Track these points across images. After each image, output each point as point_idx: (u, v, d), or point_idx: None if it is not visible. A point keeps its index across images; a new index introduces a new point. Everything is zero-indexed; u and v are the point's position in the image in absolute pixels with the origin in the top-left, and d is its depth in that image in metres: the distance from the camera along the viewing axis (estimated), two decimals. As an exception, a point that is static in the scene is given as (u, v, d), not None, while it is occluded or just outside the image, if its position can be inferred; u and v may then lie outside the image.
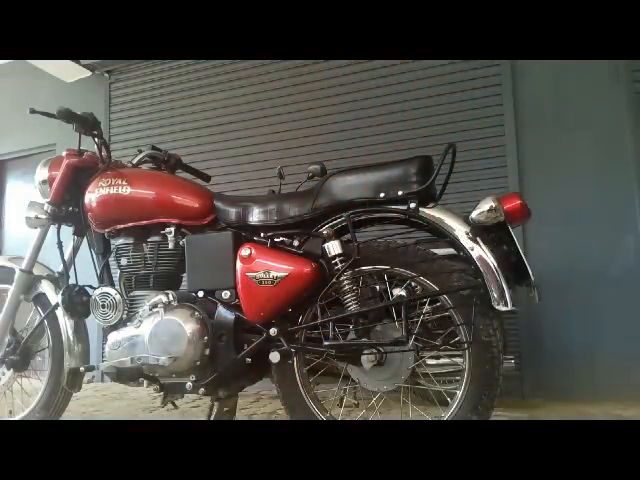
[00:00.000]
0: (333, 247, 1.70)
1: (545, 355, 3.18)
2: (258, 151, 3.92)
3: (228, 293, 1.80)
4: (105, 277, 2.06)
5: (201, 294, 1.85)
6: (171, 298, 1.85)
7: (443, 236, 1.68)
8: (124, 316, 1.92)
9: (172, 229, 1.92)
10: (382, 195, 1.69)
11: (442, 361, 2.07)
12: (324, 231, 1.73)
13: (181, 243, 1.92)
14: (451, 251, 1.83)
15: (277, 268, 1.68)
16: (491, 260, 1.57)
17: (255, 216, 1.83)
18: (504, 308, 1.55)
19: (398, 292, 1.75)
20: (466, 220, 1.64)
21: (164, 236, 1.95)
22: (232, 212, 1.89)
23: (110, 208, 1.92)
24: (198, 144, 4.10)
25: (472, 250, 1.60)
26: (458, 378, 1.64)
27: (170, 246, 1.93)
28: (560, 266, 3.20)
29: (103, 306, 1.92)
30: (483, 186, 3.34)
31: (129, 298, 1.96)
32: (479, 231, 1.61)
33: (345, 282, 1.67)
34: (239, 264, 1.73)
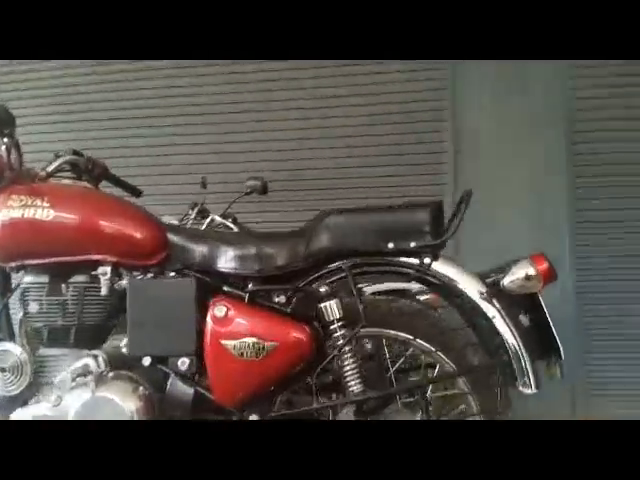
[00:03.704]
0: (332, 309, 1.34)
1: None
2: (182, 162, 3.33)
3: (186, 362, 1.36)
4: (4, 326, 1.51)
5: (147, 361, 1.39)
6: (103, 365, 1.38)
7: (450, 295, 1.42)
8: (31, 384, 1.41)
9: (108, 269, 1.44)
10: (391, 246, 1.38)
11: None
12: (321, 288, 1.36)
13: (116, 286, 1.45)
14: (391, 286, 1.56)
15: (265, 335, 1.28)
16: (516, 337, 1.35)
17: (229, 261, 1.41)
18: (528, 391, 1.34)
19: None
20: (482, 279, 1.40)
21: (94, 277, 1.46)
22: (194, 252, 1.45)
23: (23, 236, 1.39)
24: (116, 147, 3.39)
25: (493, 319, 1.35)
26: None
27: (103, 292, 1.44)
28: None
29: (3, 369, 1.39)
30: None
31: (37, 358, 1.45)
32: (497, 293, 1.37)
33: (347, 355, 1.32)
34: (211, 327, 1.30)
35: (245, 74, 3.23)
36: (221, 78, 3.27)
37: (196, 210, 2.51)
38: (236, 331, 1.28)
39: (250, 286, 1.39)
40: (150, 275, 1.47)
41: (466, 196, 1.41)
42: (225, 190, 2.73)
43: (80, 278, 1.47)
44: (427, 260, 1.38)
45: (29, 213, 1.38)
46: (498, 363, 1.35)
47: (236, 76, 3.26)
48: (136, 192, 1.99)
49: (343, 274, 1.39)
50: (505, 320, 1.34)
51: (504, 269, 1.43)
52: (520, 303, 1.38)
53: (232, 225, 2.49)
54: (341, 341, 1.32)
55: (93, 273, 1.45)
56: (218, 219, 2.47)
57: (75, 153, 1.73)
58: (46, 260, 1.43)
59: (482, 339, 1.40)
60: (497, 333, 1.35)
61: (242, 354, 1.27)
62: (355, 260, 1.40)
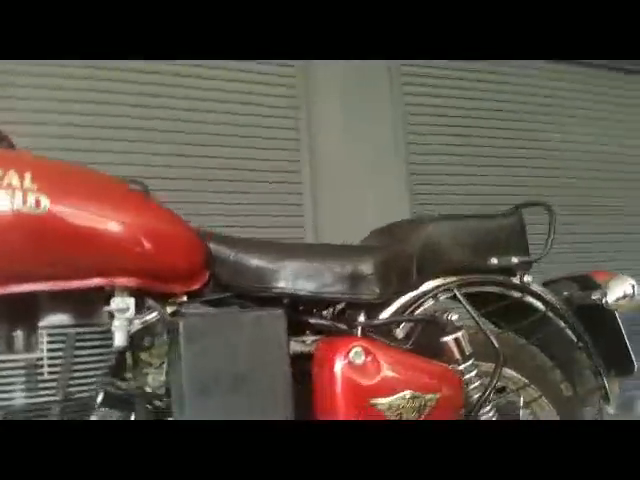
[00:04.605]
0: (461, 343, 1.03)
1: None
2: None
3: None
4: None
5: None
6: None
7: (543, 323, 1.27)
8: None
9: (130, 302, 0.85)
10: (495, 262, 1.17)
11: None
12: (450, 316, 1.04)
13: (131, 331, 0.87)
14: None
15: (422, 385, 0.90)
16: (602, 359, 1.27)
17: (333, 284, 0.97)
18: (613, 412, 1.29)
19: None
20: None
21: (92, 315, 0.85)
22: (265, 271, 0.96)
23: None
24: None
25: (586, 341, 1.26)
26: None
27: (118, 341, 0.84)
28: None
29: None
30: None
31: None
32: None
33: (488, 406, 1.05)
34: (348, 381, 0.86)
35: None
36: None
37: None
38: (389, 384, 0.87)
39: (362, 318, 0.99)
40: (192, 307, 0.92)
41: (550, 212, 1.26)
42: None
43: (61, 319, 0.84)
44: (527, 278, 1.20)
45: (11, 202, 0.72)
46: (595, 392, 1.25)
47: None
48: None
49: (447, 295, 1.12)
50: (593, 342, 1.26)
51: (562, 285, 1.34)
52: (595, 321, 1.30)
53: None
54: (477, 383, 1.03)
55: (105, 309, 0.84)
56: None
57: None
58: (18, 287, 0.77)
59: (571, 371, 1.27)
60: (586, 358, 1.25)
61: (400, 415, 0.87)
62: (460, 278, 1.13)
